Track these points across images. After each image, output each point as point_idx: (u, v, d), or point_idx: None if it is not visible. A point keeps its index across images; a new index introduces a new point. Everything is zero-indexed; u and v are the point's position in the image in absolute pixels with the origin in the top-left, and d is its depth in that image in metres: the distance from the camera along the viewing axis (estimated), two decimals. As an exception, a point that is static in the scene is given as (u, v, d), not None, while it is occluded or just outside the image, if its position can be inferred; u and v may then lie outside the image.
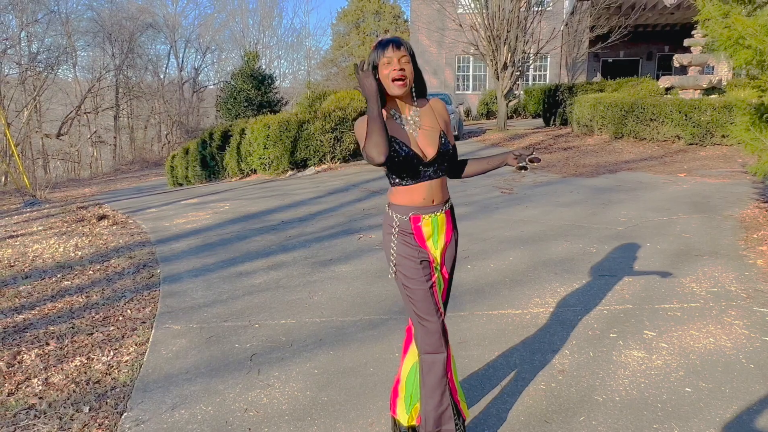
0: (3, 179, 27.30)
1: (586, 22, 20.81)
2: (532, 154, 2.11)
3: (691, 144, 11.77)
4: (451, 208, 2.27)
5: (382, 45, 2.06)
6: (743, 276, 4.26)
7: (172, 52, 41.43)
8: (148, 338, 3.66)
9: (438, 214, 2.19)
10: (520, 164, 2.12)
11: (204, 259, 5.50)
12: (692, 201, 6.83)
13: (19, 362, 3.43)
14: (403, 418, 2.32)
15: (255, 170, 12.65)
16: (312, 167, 12.07)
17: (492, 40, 15.34)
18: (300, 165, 12.15)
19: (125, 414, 2.77)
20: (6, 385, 3.13)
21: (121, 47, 35.89)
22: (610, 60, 25.68)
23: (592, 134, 13.75)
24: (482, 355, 3.18)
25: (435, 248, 2.22)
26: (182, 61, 41.94)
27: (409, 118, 2.15)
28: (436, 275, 2.23)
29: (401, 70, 2.03)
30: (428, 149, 2.12)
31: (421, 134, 2.14)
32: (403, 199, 2.15)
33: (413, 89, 2.14)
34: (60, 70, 35.29)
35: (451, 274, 2.32)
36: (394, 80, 2.03)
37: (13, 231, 8.13)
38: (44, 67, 32.42)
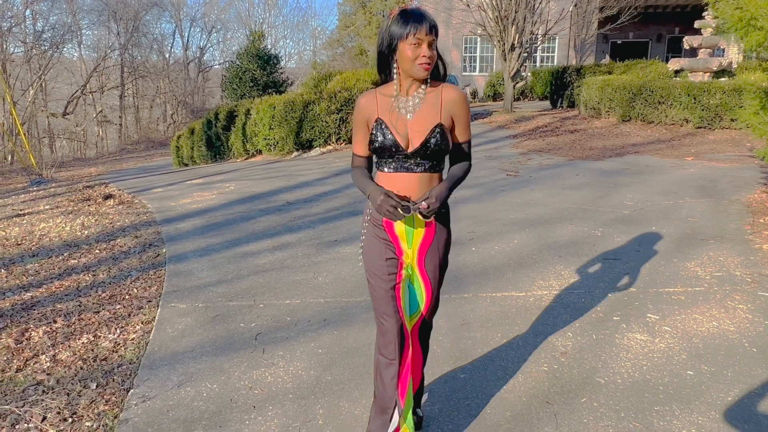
0: (9, 158, 27.39)
1: (595, 2, 20.49)
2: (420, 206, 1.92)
3: (700, 127, 11.65)
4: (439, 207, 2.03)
5: (415, 20, 1.87)
6: (748, 260, 4.25)
7: (177, 31, 41.22)
8: (154, 317, 3.69)
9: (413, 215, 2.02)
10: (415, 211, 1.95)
11: (209, 239, 5.52)
12: (699, 185, 6.79)
13: (27, 339, 3.47)
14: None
15: (260, 151, 12.64)
16: (317, 148, 12.04)
17: (500, 20, 15.15)
18: (305, 146, 12.12)
19: (132, 391, 2.81)
20: (14, 361, 3.18)
21: (126, 26, 35.70)
22: (619, 42, 25.34)
23: (599, 117, 13.63)
24: (485, 337, 3.20)
25: (409, 247, 2.06)
26: (187, 40, 41.61)
27: (410, 99, 1.98)
28: (404, 275, 2.08)
29: (430, 57, 1.90)
30: (415, 139, 1.96)
31: (414, 120, 1.97)
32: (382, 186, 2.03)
33: (441, 71, 2.02)
34: (65, 49, 35.17)
35: (436, 280, 2.11)
36: (420, 64, 1.90)
37: (20, 210, 8.18)
38: (49, 45, 32.32)
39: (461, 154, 2.10)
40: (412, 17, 1.87)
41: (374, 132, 1.99)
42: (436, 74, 2.01)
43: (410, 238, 2.05)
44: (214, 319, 3.62)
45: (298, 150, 12.08)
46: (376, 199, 1.91)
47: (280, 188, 8.00)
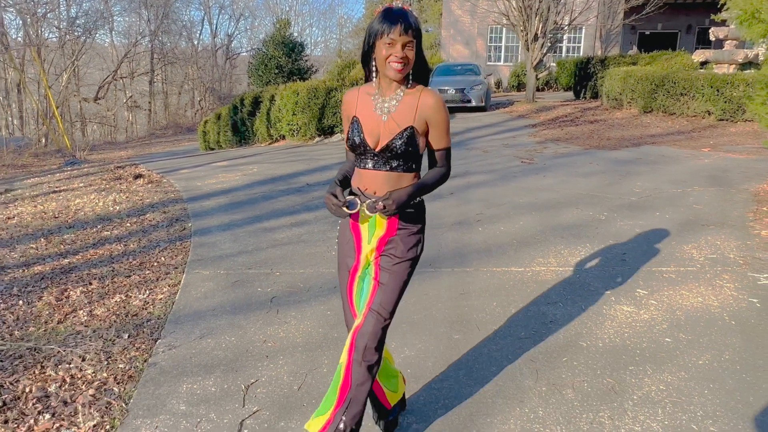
0: (44, 141, 28.31)
1: (621, -8, 20.31)
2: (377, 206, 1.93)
3: (722, 120, 11.61)
4: (411, 212, 2.05)
5: (388, 21, 1.87)
6: (744, 245, 4.41)
7: (205, 18, 41.74)
8: (180, 281, 4.03)
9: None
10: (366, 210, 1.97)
11: (232, 215, 5.86)
12: (710, 175, 6.89)
13: (66, 297, 3.84)
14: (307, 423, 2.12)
15: (284, 136, 12.98)
16: (338, 134, 12.33)
17: (523, 10, 15.19)
18: (327, 131, 12.42)
19: (159, 341, 3.14)
20: (56, 315, 3.54)
21: (157, 13, 36.35)
22: (647, 32, 25.02)
23: (621, 108, 13.64)
24: (482, 305, 3.45)
25: (368, 244, 2.07)
26: (216, 27, 42.24)
27: (387, 100, 2.00)
28: (360, 272, 2.11)
29: (403, 58, 1.89)
30: (384, 139, 1.98)
31: (388, 121, 1.98)
32: (354, 180, 2.11)
33: (410, 73, 1.97)
34: (97, 35, 35.98)
35: (389, 285, 2.04)
36: (391, 63, 1.90)
37: (56, 187, 8.64)
38: (82, 31, 33.13)
39: (438, 160, 2.08)
40: (390, 16, 1.88)
41: (350, 129, 2.05)
42: (420, 77, 2.01)
43: (369, 237, 2.07)
44: (234, 284, 3.94)
45: (319, 135, 12.38)
46: (326, 194, 2.00)
47: (301, 171, 8.31)
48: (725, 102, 11.41)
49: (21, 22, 29.40)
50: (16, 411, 2.48)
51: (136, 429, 2.37)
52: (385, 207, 1.90)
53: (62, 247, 5.12)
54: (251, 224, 5.48)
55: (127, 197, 7.13)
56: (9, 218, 6.38)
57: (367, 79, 2.06)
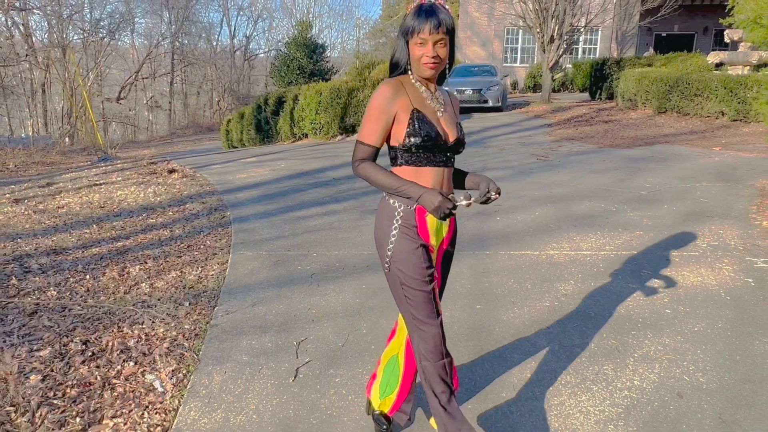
0: (67, 140, 29.08)
1: (637, -6, 20.51)
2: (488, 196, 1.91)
3: (735, 120, 11.83)
4: None
5: (421, 18, 1.82)
6: (746, 234, 4.75)
7: (224, 20, 42.48)
8: (227, 260, 4.47)
9: None
10: (481, 200, 1.91)
11: (266, 206, 6.30)
12: (719, 171, 7.19)
13: (127, 273, 4.29)
14: (376, 402, 2.25)
15: (306, 134, 13.44)
16: (360, 133, 12.77)
17: (540, 12, 15.51)
18: (349, 130, 12.86)
19: (217, 307, 3.58)
20: (121, 287, 3.99)
21: (177, 15, 37.12)
22: (664, 34, 25.16)
23: (635, 108, 13.91)
24: (500, 282, 3.84)
25: (435, 245, 2.03)
26: (234, 29, 42.96)
27: (434, 95, 1.97)
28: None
29: (434, 57, 1.84)
30: (450, 133, 1.95)
31: (444, 116, 1.96)
32: (410, 179, 1.91)
33: (446, 69, 1.95)
34: (119, 37, 36.81)
35: (444, 276, 2.14)
36: (425, 64, 1.86)
37: (96, 180, 9.16)
38: (106, 33, 33.97)
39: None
40: (421, 14, 1.83)
41: (415, 124, 1.87)
42: (440, 76, 1.99)
43: (439, 234, 2.01)
44: (276, 263, 4.37)
45: (342, 134, 12.83)
46: (433, 201, 1.79)
47: (326, 167, 8.74)
48: (739, 103, 11.64)
49: (47, 24, 30.29)
50: (104, 359, 2.92)
51: (209, 374, 2.80)
52: (498, 192, 1.92)
53: (113, 232, 5.59)
54: (285, 213, 5.91)
55: (165, 189, 7.62)
56: (59, 207, 6.88)
57: (398, 73, 1.96)
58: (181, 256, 4.66)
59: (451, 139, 1.94)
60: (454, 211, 1.82)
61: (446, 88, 2.10)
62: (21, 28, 27.79)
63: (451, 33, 1.86)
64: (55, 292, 3.84)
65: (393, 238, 1.92)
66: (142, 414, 2.47)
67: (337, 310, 3.48)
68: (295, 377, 2.74)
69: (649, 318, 3.27)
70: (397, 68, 1.94)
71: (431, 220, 1.94)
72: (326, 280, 3.97)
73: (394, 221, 1.93)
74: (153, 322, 3.33)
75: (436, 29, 1.81)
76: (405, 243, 1.92)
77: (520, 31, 24.18)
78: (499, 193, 1.90)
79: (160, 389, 2.65)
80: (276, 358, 2.92)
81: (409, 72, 1.93)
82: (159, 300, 3.69)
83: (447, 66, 1.93)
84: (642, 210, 5.51)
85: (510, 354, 2.91)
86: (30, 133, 29.29)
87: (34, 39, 30.17)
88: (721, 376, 2.68)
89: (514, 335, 3.11)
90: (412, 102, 1.89)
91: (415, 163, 1.91)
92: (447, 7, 1.88)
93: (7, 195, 8.01)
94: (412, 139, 1.87)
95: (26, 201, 7.42)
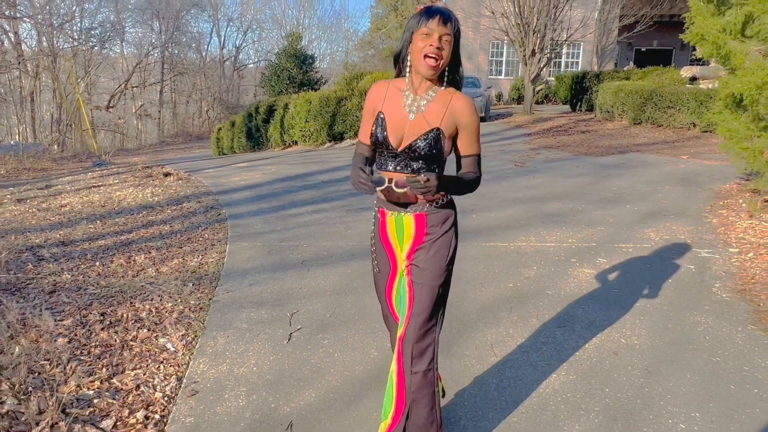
0: (56, 147, 29.30)
1: (615, 11, 21.32)
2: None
3: (706, 131, 12.46)
4: (440, 212, 2.02)
5: (428, 13, 1.83)
6: (696, 229, 5.26)
7: (214, 30, 42.95)
8: (225, 250, 4.90)
9: (402, 214, 2.00)
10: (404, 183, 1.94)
11: (259, 205, 6.73)
12: (682, 177, 7.75)
13: (133, 261, 4.69)
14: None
15: (296, 141, 13.90)
16: (348, 139, 13.25)
17: (521, 27, 16.16)
18: (337, 137, 13.34)
19: (218, 287, 4.00)
20: (129, 272, 4.40)
21: (167, 25, 37.55)
22: (643, 49, 26.04)
23: (612, 120, 14.53)
24: (470, 267, 4.30)
25: (401, 251, 2.04)
26: (224, 39, 43.48)
27: (417, 98, 1.93)
28: (397, 282, 2.08)
29: (438, 48, 1.82)
30: (407, 139, 1.92)
31: (415, 121, 1.92)
32: None
33: (446, 73, 1.92)
34: (109, 46, 37.13)
35: (424, 292, 1.99)
36: (426, 56, 1.83)
37: (94, 183, 9.53)
38: (96, 42, 34.29)
39: (467, 167, 2.00)
40: (428, 10, 1.85)
41: (374, 125, 1.97)
42: (453, 81, 1.95)
43: (401, 242, 2.03)
44: (269, 252, 4.80)
45: (330, 141, 13.30)
46: (351, 174, 1.90)
47: (315, 171, 9.20)
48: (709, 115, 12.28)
49: (36, 32, 30.57)
50: (120, 327, 3.33)
51: (214, 338, 3.22)
52: (428, 180, 1.76)
53: (117, 227, 5.99)
54: (277, 211, 6.35)
55: (162, 191, 8.02)
56: (62, 206, 7.26)
57: (399, 74, 2.01)
58: (182, 247, 5.07)
59: (402, 146, 1.93)
60: (369, 184, 1.86)
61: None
62: (11, 36, 28.07)
63: (456, 36, 1.87)
64: (70, 276, 4.24)
65: (372, 234, 2.17)
66: (159, 367, 2.88)
67: (326, 289, 3.92)
68: (288, 340, 3.18)
69: (598, 295, 3.75)
70: (396, 60, 1.99)
71: (389, 226, 2.03)
72: (316, 266, 4.41)
73: (373, 218, 2.15)
74: (161, 299, 3.74)
75: (444, 24, 1.82)
76: (375, 240, 2.13)
77: (505, 44, 24.91)
78: (429, 181, 1.77)
79: (172, 349, 3.07)
80: (272, 326, 3.35)
81: (407, 74, 1.94)
82: (165, 282, 4.10)
83: (448, 70, 1.92)
84: (606, 209, 6.01)
85: (475, 323, 3.37)
86: (19, 141, 29.45)
87: (23, 47, 30.43)
88: (652, 339, 3.15)
89: (480, 309, 3.56)
90: (384, 104, 1.96)
91: (379, 160, 2.01)
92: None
93: (8, 196, 8.36)
94: (371, 140, 2.00)
95: (28, 201, 7.78)
